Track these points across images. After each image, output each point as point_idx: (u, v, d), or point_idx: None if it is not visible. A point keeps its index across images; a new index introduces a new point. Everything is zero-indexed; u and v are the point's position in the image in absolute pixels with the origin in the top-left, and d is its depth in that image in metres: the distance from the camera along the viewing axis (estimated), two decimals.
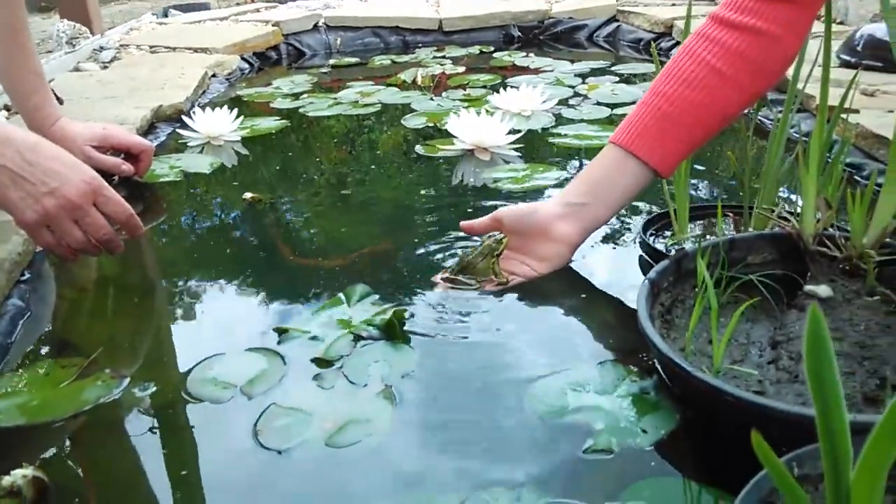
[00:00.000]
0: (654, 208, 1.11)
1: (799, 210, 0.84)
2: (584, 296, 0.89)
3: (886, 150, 1.17)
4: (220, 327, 0.89)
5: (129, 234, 0.91)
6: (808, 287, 0.74)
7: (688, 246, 0.91)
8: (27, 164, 0.83)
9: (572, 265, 0.94)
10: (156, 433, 0.70)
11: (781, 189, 0.97)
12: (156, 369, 0.79)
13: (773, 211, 0.87)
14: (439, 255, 1.00)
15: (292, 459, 0.64)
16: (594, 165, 0.92)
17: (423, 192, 1.28)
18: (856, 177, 1.17)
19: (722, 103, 0.86)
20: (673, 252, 0.84)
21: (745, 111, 0.97)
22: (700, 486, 0.58)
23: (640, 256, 0.98)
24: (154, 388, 0.75)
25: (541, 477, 0.60)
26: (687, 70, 0.87)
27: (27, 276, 1.00)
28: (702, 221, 1.04)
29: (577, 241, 0.92)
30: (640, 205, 1.14)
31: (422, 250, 1.03)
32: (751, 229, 0.93)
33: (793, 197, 1.00)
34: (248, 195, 1.26)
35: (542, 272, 0.92)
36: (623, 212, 1.14)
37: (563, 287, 0.91)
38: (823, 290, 0.73)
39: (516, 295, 0.89)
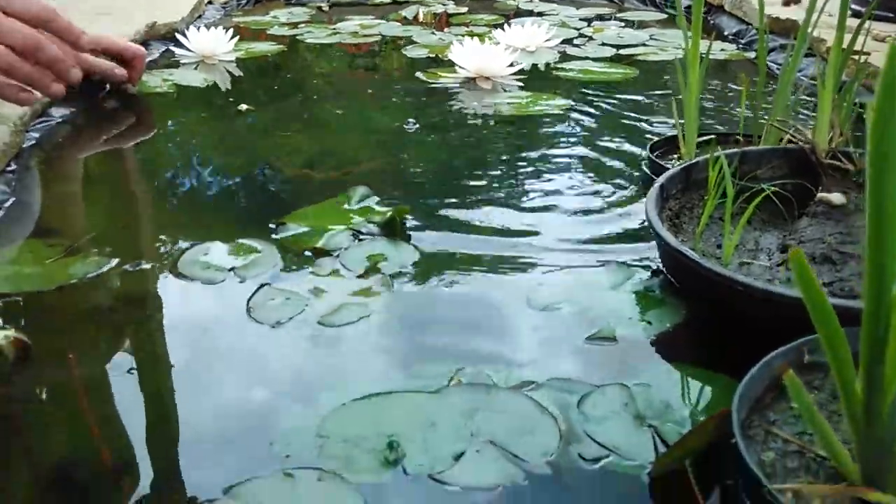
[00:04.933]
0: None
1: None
2: (588, 209, 0.87)
3: None
4: (213, 221, 0.87)
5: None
6: (820, 194, 0.72)
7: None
8: None
9: (578, 185, 0.92)
10: (144, 308, 0.67)
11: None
12: (146, 253, 0.76)
13: (786, 124, 0.85)
14: (439, 173, 0.98)
15: (284, 334, 0.62)
16: None
17: (422, 115, 1.25)
18: (864, 116, 1.15)
19: None
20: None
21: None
22: (705, 371, 0.57)
23: (646, 176, 0.96)
24: (144, 268, 0.72)
25: (542, 359, 0.59)
26: None
27: (14, 167, 0.96)
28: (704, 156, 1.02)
29: None
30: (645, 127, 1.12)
31: (420, 168, 1.01)
32: None
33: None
34: (242, 107, 1.23)
35: None
36: (629, 136, 1.13)
37: (569, 199, 0.89)
38: (836, 197, 0.71)
39: (522, 205, 0.87)
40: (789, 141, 0.85)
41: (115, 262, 0.73)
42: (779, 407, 0.51)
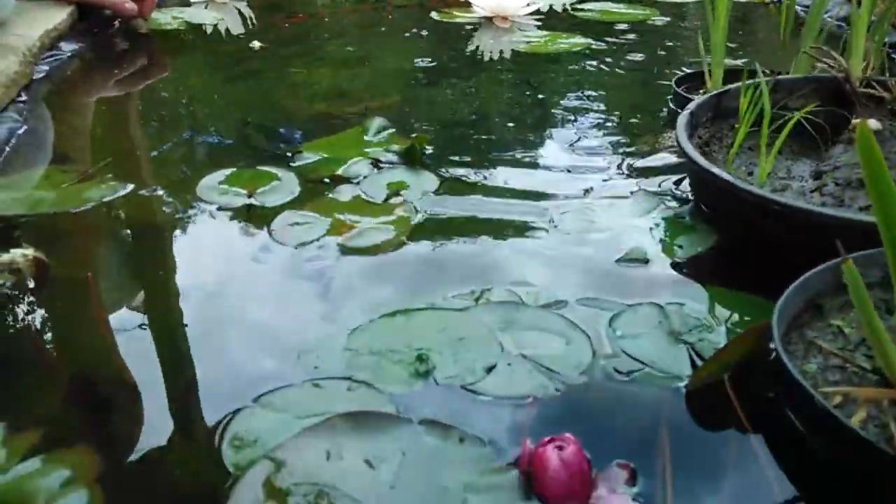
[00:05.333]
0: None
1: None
2: (613, 140, 0.85)
3: None
4: (230, 152, 0.84)
5: None
6: (856, 120, 0.70)
7: None
8: None
9: (601, 118, 0.90)
10: (162, 229, 0.66)
11: None
12: (162, 179, 0.75)
13: (819, 51, 0.82)
14: (455, 108, 0.96)
15: (308, 256, 0.61)
16: None
17: (436, 53, 1.22)
18: (893, 55, 1.12)
19: None
20: None
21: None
22: (738, 293, 0.56)
23: (672, 111, 0.93)
24: (160, 193, 0.71)
25: (572, 279, 0.57)
26: None
27: (24, 97, 0.94)
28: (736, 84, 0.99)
29: None
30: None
31: (435, 104, 0.98)
32: None
33: None
34: (255, 44, 1.20)
35: None
36: (651, 71, 1.10)
37: (593, 131, 0.87)
38: (872, 123, 0.69)
39: (544, 137, 0.85)
40: (821, 71, 0.82)
41: (130, 187, 0.71)
42: (817, 325, 0.49)
